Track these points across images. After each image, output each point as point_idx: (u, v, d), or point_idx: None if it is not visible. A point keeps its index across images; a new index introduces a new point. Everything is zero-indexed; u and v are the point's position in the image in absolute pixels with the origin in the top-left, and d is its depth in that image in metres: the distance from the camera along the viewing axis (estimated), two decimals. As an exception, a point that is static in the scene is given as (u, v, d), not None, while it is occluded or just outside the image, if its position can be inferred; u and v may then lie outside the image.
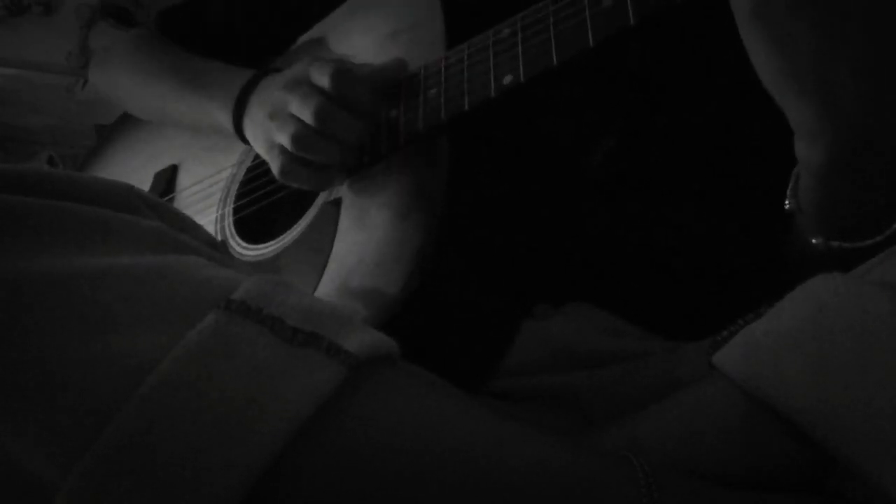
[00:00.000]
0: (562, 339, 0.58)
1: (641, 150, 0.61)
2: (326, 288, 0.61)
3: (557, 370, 0.58)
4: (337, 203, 0.65)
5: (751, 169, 0.59)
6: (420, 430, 0.38)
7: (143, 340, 0.35)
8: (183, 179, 0.85)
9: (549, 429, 0.42)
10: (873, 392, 0.37)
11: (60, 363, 0.34)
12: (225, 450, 0.34)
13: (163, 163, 0.88)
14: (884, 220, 0.45)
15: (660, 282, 0.60)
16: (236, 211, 0.76)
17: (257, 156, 0.72)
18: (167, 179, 0.85)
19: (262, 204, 0.74)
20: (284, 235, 0.69)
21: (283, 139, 0.62)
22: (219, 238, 0.75)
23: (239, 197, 0.77)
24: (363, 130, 0.62)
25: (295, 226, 0.69)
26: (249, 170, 0.77)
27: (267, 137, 0.64)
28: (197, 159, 0.84)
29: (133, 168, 0.92)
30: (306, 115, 0.60)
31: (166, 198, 0.84)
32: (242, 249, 0.73)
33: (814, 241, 0.48)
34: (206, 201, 0.80)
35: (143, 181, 0.88)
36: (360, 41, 0.70)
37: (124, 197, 0.44)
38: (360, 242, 0.61)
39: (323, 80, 0.60)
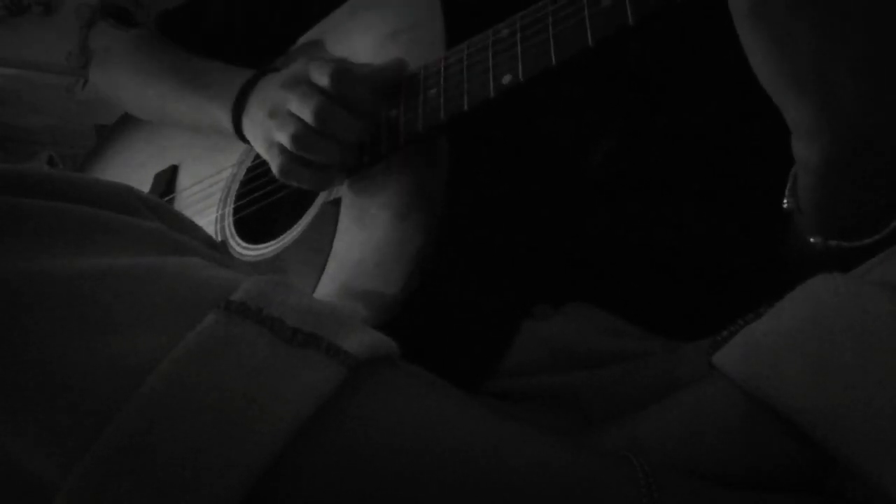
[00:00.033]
0: (562, 339, 0.58)
1: (641, 150, 0.61)
2: (326, 288, 0.61)
3: (557, 370, 0.58)
4: (337, 203, 0.65)
5: (750, 169, 0.59)
6: (420, 430, 0.38)
7: (143, 341, 0.35)
8: (183, 179, 0.85)
9: (549, 429, 0.42)
10: (873, 392, 0.37)
11: (60, 363, 0.34)
12: (225, 450, 0.34)
13: (163, 163, 0.88)
14: (882, 219, 0.45)
15: (660, 282, 0.60)
16: (236, 211, 0.76)
17: (257, 156, 0.72)
18: (167, 180, 0.85)
19: (262, 204, 0.74)
20: (284, 235, 0.69)
21: (283, 138, 0.62)
22: (219, 238, 0.75)
23: (239, 197, 0.77)
24: (363, 130, 0.62)
25: (295, 226, 0.69)
26: (249, 170, 0.77)
27: (266, 136, 0.64)
28: (197, 159, 0.84)
29: (133, 168, 0.92)
30: (306, 115, 0.60)
31: (166, 198, 0.84)
32: (242, 249, 0.73)
33: (812, 240, 0.48)
34: (206, 201, 0.80)
35: (143, 181, 0.88)
36: (360, 41, 0.70)
37: (124, 198, 0.44)
38: (359, 242, 0.61)
39: (323, 79, 0.60)
